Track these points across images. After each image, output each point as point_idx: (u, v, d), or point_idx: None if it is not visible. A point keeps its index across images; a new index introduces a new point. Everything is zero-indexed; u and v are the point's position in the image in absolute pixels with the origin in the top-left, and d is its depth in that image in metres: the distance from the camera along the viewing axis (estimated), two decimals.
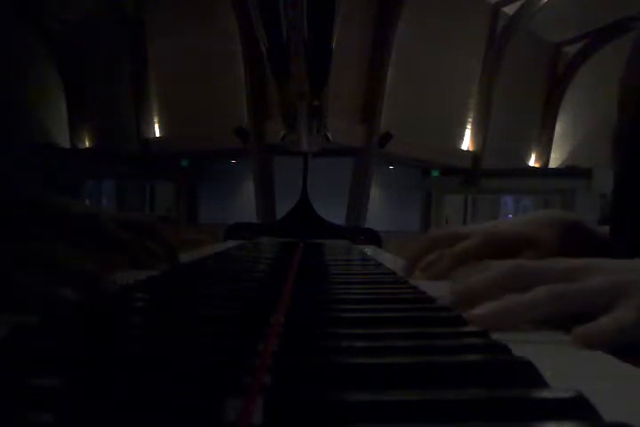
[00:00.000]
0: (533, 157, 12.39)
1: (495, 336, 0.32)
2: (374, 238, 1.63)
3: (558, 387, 0.23)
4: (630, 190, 0.66)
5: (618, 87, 0.71)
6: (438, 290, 0.50)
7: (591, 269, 0.41)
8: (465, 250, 0.64)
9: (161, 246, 0.71)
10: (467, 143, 11.17)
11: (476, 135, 11.07)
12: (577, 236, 0.68)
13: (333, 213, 2.70)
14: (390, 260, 0.93)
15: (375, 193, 10.17)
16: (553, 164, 12.30)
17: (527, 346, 0.29)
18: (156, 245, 0.70)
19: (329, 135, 1.53)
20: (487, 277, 0.45)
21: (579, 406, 0.20)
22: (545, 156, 12.34)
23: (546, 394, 0.22)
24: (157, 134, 10.69)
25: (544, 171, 11.88)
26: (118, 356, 0.26)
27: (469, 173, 11.16)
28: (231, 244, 1.34)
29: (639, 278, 0.39)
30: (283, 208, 1.83)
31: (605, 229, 0.68)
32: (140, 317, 0.38)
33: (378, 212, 10.04)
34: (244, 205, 9.91)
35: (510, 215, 11.64)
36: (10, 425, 0.17)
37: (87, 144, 11.28)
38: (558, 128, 12.20)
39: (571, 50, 11.58)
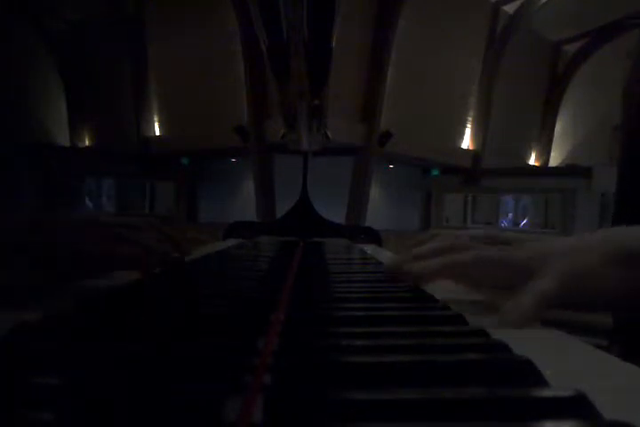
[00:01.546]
0: (533, 156, 12.38)
1: (496, 335, 0.32)
2: (374, 237, 1.62)
3: (558, 386, 0.23)
4: (635, 190, 0.66)
5: (624, 88, 0.71)
6: (439, 289, 0.50)
7: (518, 247, 0.48)
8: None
9: (167, 242, 0.72)
10: (467, 142, 11.16)
11: (475, 134, 11.06)
12: None
13: (333, 211, 2.70)
14: (390, 258, 0.93)
15: (375, 192, 10.17)
16: (553, 163, 12.30)
17: (527, 345, 0.29)
18: (161, 242, 0.71)
19: (329, 134, 1.53)
20: (427, 247, 0.52)
21: (579, 405, 0.20)
22: (545, 155, 12.34)
23: (546, 393, 0.22)
24: (157, 133, 10.69)
25: (544, 170, 11.88)
26: (118, 355, 0.26)
27: (469, 172, 11.16)
28: (231, 243, 1.34)
29: (556, 250, 0.44)
30: (283, 207, 1.84)
31: None
32: (140, 316, 0.38)
33: (378, 211, 10.03)
34: (244, 203, 9.91)
35: (510, 214, 11.65)
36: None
37: (87, 143, 11.28)
38: (558, 127, 12.20)
39: (571, 49, 11.57)
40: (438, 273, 0.47)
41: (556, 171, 11.50)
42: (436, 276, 0.47)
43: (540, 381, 0.24)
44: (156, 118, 10.64)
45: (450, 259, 0.47)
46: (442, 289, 0.51)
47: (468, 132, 11.15)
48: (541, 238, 0.64)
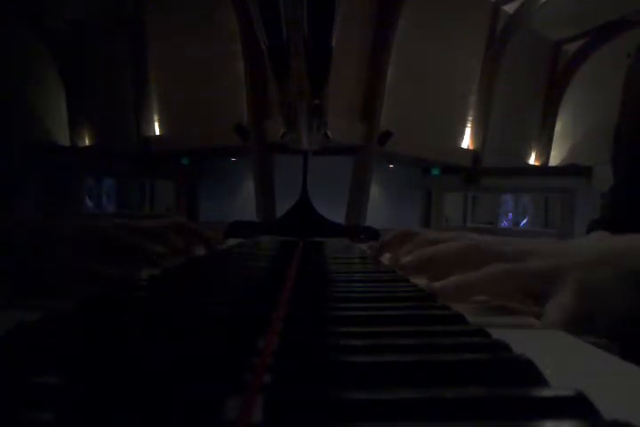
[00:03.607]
0: (533, 155, 12.37)
1: (496, 335, 0.32)
2: (374, 237, 1.63)
3: (558, 386, 0.23)
4: (631, 189, 0.66)
5: (623, 84, 0.71)
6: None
7: (532, 253, 0.47)
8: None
9: (198, 237, 0.86)
10: (467, 142, 11.15)
11: (476, 134, 11.05)
12: None
13: (333, 211, 2.70)
14: (390, 258, 0.93)
15: (375, 191, 10.16)
16: (553, 162, 12.28)
17: (527, 344, 0.29)
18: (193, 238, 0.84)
19: (329, 133, 1.53)
20: (445, 250, 0.53)
21: (579, 404, 0.20)
22: (545, 154, 12.32)
23: (546, 393, 0.22)
24: (157, 133, 10.68)
25: (544, 169, 11.86)
26: (118, 354, 0.26)
27: (469, 171, 11.15)
28: (231, 242, 1.34)
29: (574, 260, 0.44)
30: (283, 207, 1.83)
31: None
32: (140, 315, 0.38)
33: (378, 210, 10.02)
34: (244, 203, 9.90)
35: (510, 214, 11.64)
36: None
37: (87, 143, 11.26)
38: (558, 126, 12.18)
39: (571, 48, 11.56)
40: (453, 296, 0.47)
41: (557, 170, 11.49)
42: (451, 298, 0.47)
43: (540, 380, 0.24)
44: (155, 118, 10.63)
45: (463, 281, 0.47)
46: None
47: (468, 131, 11.14)
48: (512, 242, 0.65)
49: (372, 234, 1.64)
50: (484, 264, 0.46)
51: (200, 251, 0.90)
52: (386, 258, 0.84)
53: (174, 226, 0.83)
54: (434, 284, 0.47)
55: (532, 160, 12.42)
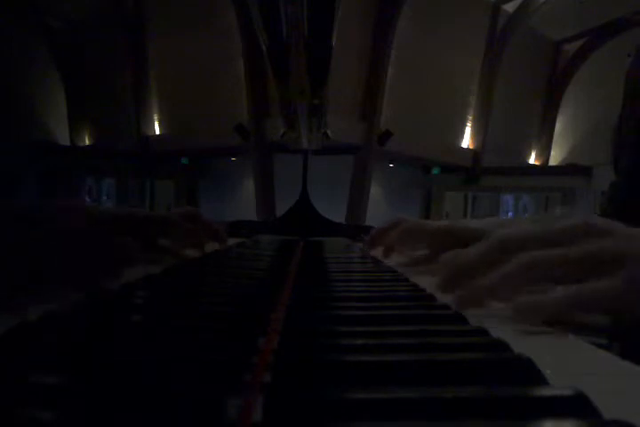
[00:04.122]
0: (533, 154, 12.37)
1: (496, 334, 0.32)
2: None
3: (558, 385, 0.23)
4: (632, 186, 0.66)
5: (624, 83, 0.71)
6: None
7: (591, 233, 0.40)
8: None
9: (209, 230, 0.86)
10: (467, 141, 11.15)
11: (476, 133, 11.05)
12: None
13: (333, 210, 2.70)
14: (390, 257, 0.93)
15: (375, 191, 10.16)
16: (553, 162, 12.29)
17: (527, 343, 0.30)
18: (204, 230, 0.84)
19: (329, 133, 1.53)
20: (473, 254, 0.45)
21: (579, 404, 0.20)
22: (545, 154, 12.32)
23: (546, 392, 0.22)
24: (157, 132, 10.68)
25: (544, 169, 11.87)
26: (118, 354, 0.26)
27: (469, 170, 11.15)
28: (231, 242, 1.34)
29: (630, 249, 0.37)
30: (283, 206, 1.83)
31: None
32: (140, 314, 0.38)
33: (378, 209, 10.02)
34: (244, 202, 9.90)
35: (510, 213, 11.64)
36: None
37: (87, 142, 11.27)
38: (558, 126, 12.18)
39: (571, 48, 11.56)
40: (491, 299, 0.41)
41: (556, 170, 11.50)
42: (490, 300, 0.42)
43: (540, 380, 0.24)
44: (155, 117, 10.63)
45: (496, 279, 0.40)
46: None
47: (468, 131, 11.14)
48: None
49: None
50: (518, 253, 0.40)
51: (210, 244, 0.89)
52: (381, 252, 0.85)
53: (188, 214, 0.83)
54: (457, 293, 0.42)
55: (532, 160, 12.42)
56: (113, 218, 0.65)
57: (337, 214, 3.34)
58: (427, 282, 0.56)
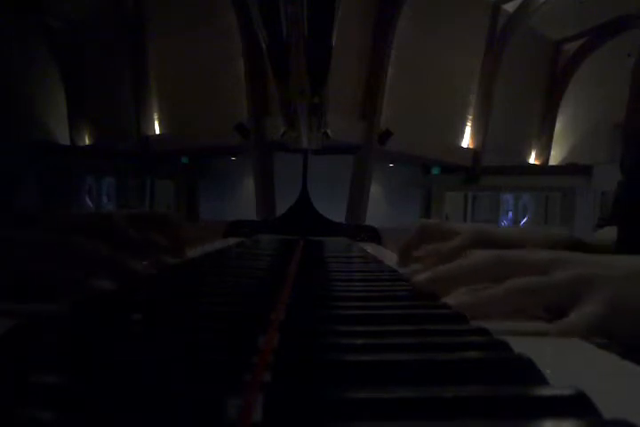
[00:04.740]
0: (533, 154, 12.38)
1: (497, 334, 0.32)
2: (374, 236, 1.63)
3: (558, 385, 0.23)
4: (637, 186, 0.66)
5: (631, 81, 0.71)
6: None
7: (559, 262, 0.43)
8: (452, 251, 0.64)
9: (170, 240, 0.74)
10: (467, 141, 11.16)
11: (476, 133, 11.06)
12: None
13: (333, 210, 2.70)
14: (390, 257, 0.93)
15: (375, 190, 10.17)
16: (553, 161, 12.30)
17: (528, 343, 0.29)
18: (165, 239, 0.73)
19: (329, 132, 1.53)
20: (468, 264, 0.48)
21: (579, 403, 0.20)
22: (545, 153, 12.33)
23: (546, 392, 0.22)
24: (157, 132, 10.68)
25: (544, 168, 11.88)
26: (118, 353, 0.26)
27: (469, 170, 11.16)
28: (232, 241, 1.34)
29: (603, 272, 0.40)
30: (283, 205, 1.83)
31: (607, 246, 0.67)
32: (140, 314, 0.38)
33: (378, 209, 10.03)
34: (244, 202, 9.91)
35: (511, 213, 11.64)
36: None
37: (87, 142, 11.28)
38: (558, 125, 12.19)
39: (571, 47, 11.57)
40: (484, 313, 0.42)
41: (557, 169, 11.51)
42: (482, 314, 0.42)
43: (541, 379, 0.24)
44: (155, 117, 10.63)
45: (479, 300, 0.42)
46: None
47: (468, 130, 11.15)
48: (528, 232, 0.63)
49: (372, 233, 1.64)
50: (509, 275, 0.43)
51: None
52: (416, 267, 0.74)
53: (149, 217, 0.74)
54: (447, 299, 0.44)
55: (532, 159, 12.43)
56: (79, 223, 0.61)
57: (337, 214, 3.35)
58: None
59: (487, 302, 0.42)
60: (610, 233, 0.66)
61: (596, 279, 0.40)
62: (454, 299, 0.43)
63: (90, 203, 10.65)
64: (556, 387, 0.23)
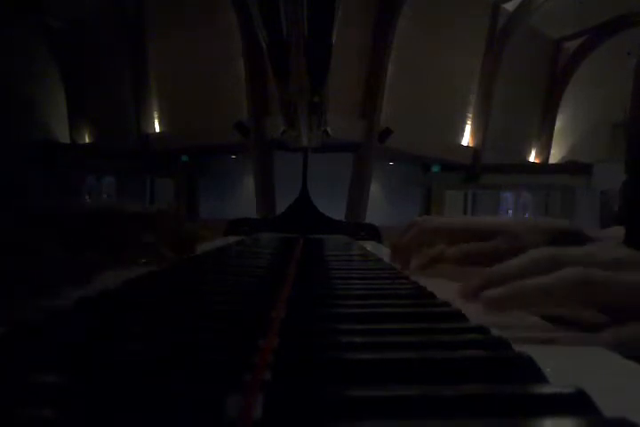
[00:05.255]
0: (533, 152, 12.36)
1: (496, 333, 0.32)
2: (374, 233, 1.63)
3: (559, 383, 0.23)
4: None
5: (635, 74, 0.70)
6: (438, 286, 0.50)
7: (628, 262, 0.37)
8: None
9: (172, 238, 0.73)
10: (467, 139, 11.15)
11: (476, 131, 11.05)
12: (567, 241, 0.59)
13: (333, 208, 2.70)
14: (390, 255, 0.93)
15: (375, 188, 10.16)
16: (553, 159, 12.28)
17: (527, 342, 0.29)
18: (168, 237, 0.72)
19: (329, 131, 1.54)
20: (517, 262, 0.41)
21: (580, 402, 0.20)
22: (545, 151, 12.31)
23: (546, 390, 0.22)
24: (157, 130, 10.67)
25: (544, 167, 11.86)
26: (119, 353, 0.26)
27: (469, 168, 11.14)
28: (232, 239, 1.34)
29: None
30: (283, 204, 1.84)
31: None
32: (140, 313, 0.38)
33: (378, 207, 10.03)
34: (244, 200, 9.90)
35: (510, 211, 11.64)
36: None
37: (87, 140, 11.26)
38: (558, 124, 12.17)
39: (571, 46, 11.55)
40: (522, 305, 0.38)
41: (556, 168, 11.50)
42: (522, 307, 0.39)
43: (541, 378, 0.24)
44: (155, 115, 10.63)
45: (523, 287, 0.36)
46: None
47: (468, 128, 11.14)
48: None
49: (372, 231, 1.64)
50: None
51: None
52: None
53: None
54: (487, 292, 0.37)
55: (532, 157, 12.41)
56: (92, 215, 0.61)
57: (337, 212, 3.34)
58: (427, 280, 0.56)
59: (525, 294, 0.36)
60: (617, 233, 0.65)
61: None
62: (488, 293, 0.37)
63: (89, 201, 10.64)
64: (557, 385, 0.23)
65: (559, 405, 0.21)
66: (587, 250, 0.40)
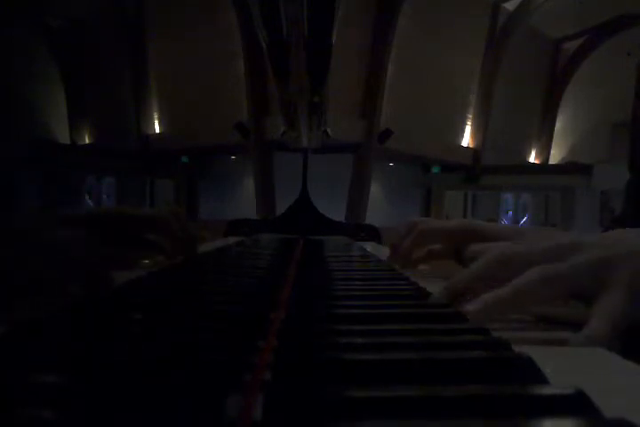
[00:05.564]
0: (533, 153, 12.37)
1: (497, 332, 0.32)
2: (374, 235, 1.63)
3: (559, 384, 0.23)
4: None
5: (637, 73, 0.71)
6: (438, 286, 0.50)
7: (575, 246, 0.41)
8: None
9: (171, 242, 0.72)
10: (467, 140, 11.15)
11: (476, 132, 11.05)
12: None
13: (333, 209, 2.70)
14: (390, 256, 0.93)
15: (375, 189, 10.16)
16: (553, 160, 12.29)
17: (527, 342, 0.29)
18: (167, 241, 0.71)
19: (329, 131, 1.54)
20: (474, 269, 0.45)
21: (579, 402, 0.20)
22: (545, 152, 12.32)
23: (546, 391, 0.22)
24: (157, 131, 10.67)
25: (544, 167, 11.87)
26: (119, 353, 0.26)
27: (469, 169, 11.15)
28: (232, 240, 1.34)
29: (622, 250, 0.39)
30: (283, 204, 1.84)
31: None
32: (140, 314, 0.38)
33: (378, 208, 10.03)
34: (244, 201, 9.90)
35: (510, 212, 11.65)
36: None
37: (87, 141, 11.27)
38: (558, 125, 12.18)
39: (571, 46, 11.56)
40: (508, 311, 0.41)
41: (557, 168, 11.50)
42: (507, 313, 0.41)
43: (541, 378, 0.24)
44: (155, 116, 10.63)
45: (496, 298, 0.39)
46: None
47: (468, 129, 11.14)
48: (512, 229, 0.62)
49: (372, 232, 1.64)
50: (525, 269, 0.40)
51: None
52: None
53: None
54: (466, 307, 0.39)
55: (532, 158, 12.42)
56: (91, 218, 0.62)
57: (337, 213, 3.34)
58: (427, 280, 0.56)
59: (508, 300, 0.39)
60: (619, 236, 0.65)
61: (615, 260, 0.38)
62: (471, 306, 0.39)
63: (90, 202, 10.64)
64: (556, 386, 0.23)
65: (559, 405, 0.20)
66: (526, 246, 0.45)
